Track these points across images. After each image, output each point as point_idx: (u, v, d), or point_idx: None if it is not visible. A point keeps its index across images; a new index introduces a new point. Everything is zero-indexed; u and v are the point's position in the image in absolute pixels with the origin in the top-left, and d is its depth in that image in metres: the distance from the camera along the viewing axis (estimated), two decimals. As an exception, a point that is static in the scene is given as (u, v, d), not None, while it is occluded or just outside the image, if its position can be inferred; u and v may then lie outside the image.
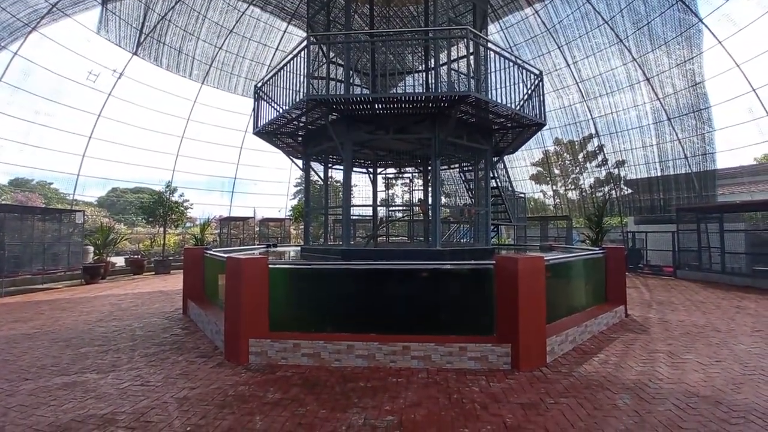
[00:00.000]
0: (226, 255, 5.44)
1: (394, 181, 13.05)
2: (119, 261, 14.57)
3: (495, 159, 8.99)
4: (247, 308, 4.59)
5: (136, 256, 14.69)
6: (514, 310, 4.45)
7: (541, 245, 11.57)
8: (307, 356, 4.53)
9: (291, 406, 3.49)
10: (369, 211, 11.74)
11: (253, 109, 8.15)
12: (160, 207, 14.10)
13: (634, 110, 16.03)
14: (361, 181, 11.64)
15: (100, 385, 3.90)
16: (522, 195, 15.21)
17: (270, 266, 4.83)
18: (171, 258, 14.62)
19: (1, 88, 11.50)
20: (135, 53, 14.53)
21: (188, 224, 19.03)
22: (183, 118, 16.96)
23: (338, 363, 4.52)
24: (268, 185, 20.99)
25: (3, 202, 12.81)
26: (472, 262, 5.15)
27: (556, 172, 21.99)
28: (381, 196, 11.65)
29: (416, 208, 10.81)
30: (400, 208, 11.41)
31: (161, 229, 15.52)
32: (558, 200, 22.15)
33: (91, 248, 12.85)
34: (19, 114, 12.31)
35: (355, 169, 10.69)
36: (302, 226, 19.14)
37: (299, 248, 8.95)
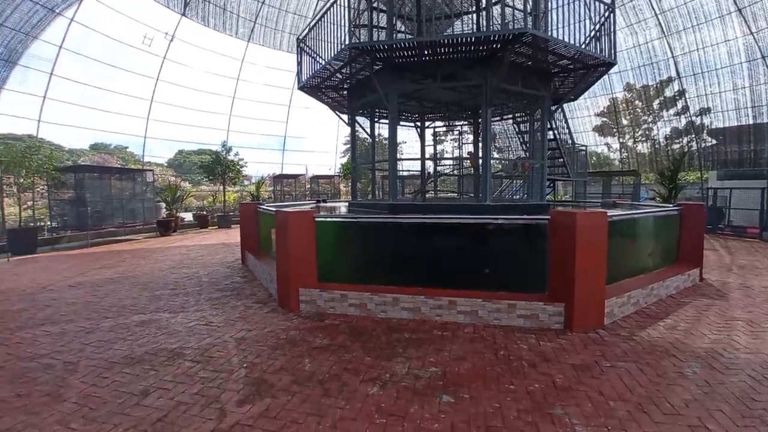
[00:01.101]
0: (275, 209, 5.60)
1: (442, 136, 12.54)
2: (187, 216, 15.85)
3: (553, 107, 8.19)
4: (295, 259, 4.75)
5: (201, 212, 15.86)
6: (569, 268, 4.17)
7: (603, 202, 10.68)
8: (354, 306, 4.66)
9: (338, 351, 3.63)
10: (416, 167, 11.49)
11: (297, 63, 8.01)
12: (218, 166, 14.89)
13: (725, 46, 13.61)
14: (409, 136, 11.30)
15: (171, 324, 4.32)
16: (583, 148, 13.95)
17: (317, 219, 4.90)
18: (231, 213, 15.62)
19: (65, 55, 12.29)
20: (183, 14, 14.77)
21: (245, 182, 20.02)
22: (233, 78, 17.31)
23: (384, 314, 4.60)
24: (318, 143, 21.24)
25: (82, 163, 14.26)
26: (525, 216, 4.84)
27: (624, 122, 19.80)
28: (429, 151, 11.28)
29: (466, 163, 10.36)
30: (449, 162, 11.00)
31: (221, 186, 16.49)
32: (625, 154, 20.14)
33: (163, 205, 14.06)
34: (88, 80, 13.25)
35: (401, 123, 10.36)
36: (351, 183, 19.41)
37: (348, 203, 9.04)
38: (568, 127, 12.03)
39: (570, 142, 11.53)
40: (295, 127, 19.83)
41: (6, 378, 3.13)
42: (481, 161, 6.82)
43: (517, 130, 10.40)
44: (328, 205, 10.57)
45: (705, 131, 15.53)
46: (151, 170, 13.06)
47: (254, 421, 2.52)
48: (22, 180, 10.12)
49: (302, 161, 20.06)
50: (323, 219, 4.99)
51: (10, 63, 11.16)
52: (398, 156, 9.74)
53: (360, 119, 8.86)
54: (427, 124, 10.78)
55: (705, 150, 15.53)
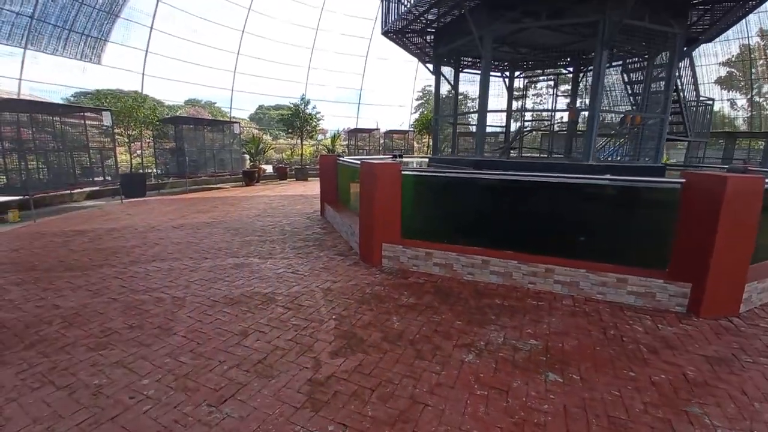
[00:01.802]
0: (359, 160, 5.43)
1: (524, 90, 11.22)
2: (268, 168, 16.68)
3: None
4: (380, 213, 4.58)
5: (281, 165, 16.57)
6: (706, 243, 3.44)
7: (730, 167, 8.92)
8: (438, 266, 4.43)
9: (426, 312, 3.46)
10: (497, 122, 10.53)
11: (381, 4, 7.45)
12: (296, 119, 15.18)
13: None
14: (493, 89, 10.29)
15: (261, 269, 4.50)
16: (710, 102, 11.62)
17: (403, 173, 4.64)
18: (308, 166, 16.09)
19: (161, 9, 12.90)
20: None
21: (320, 136, 20.34)
22: (312, 28, 17.08)
23: (470, 277, 4.32)
24: (392, 97, 20.61)
25: (179, 115, 15.50)
26: (647, 179, 4.08)
27: (757, 74, 16.13)
28: (514, 105, 10.22)
29: (562, 116, 9.23)
30: (544, 115, 9.88)
31: (299, 140, 16.95)
32: (753, 112, 16.63)
33: (247, 156, 14.89)
34: (183, 34, 13.93)
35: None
36: (425, 139, 18.71)
37: (426, 159, 8.64)
38: (694, 77, 10.01)
39: (695, 94, 9.61)
40: (371, 80, 19.36)
41: (119, 309, 3.43)
42: (585, 114, 5.90)
43: (625, 80, 8.87)
44: (405, 160, 10.26)
45: None
46: (237, 122, 13.74)
47: (349, 375, 2.47)
48: (131, 132, 11.24)
49: (375, 116, 19.77)
50: (410, 173, 4.71)
51: (112, 15, 12.01)
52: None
53: (443, 70, 8.17)
54: (516, 74, 9.69)
55: None
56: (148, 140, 12.99)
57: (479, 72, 9.09)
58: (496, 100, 9.70)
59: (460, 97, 8.64)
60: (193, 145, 12.24)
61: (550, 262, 4.04)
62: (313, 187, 13.14)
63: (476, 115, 6.77)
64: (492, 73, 9.55)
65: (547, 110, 9.63)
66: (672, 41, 6.16)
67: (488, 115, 10.18)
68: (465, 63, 9.03)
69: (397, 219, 4.73)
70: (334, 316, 3.31)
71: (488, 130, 12.37)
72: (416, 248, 4.52)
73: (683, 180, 3.71)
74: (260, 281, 4.10)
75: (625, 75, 8.78)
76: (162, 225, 6.90)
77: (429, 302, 3.67)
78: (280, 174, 15.54)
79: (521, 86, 10.47)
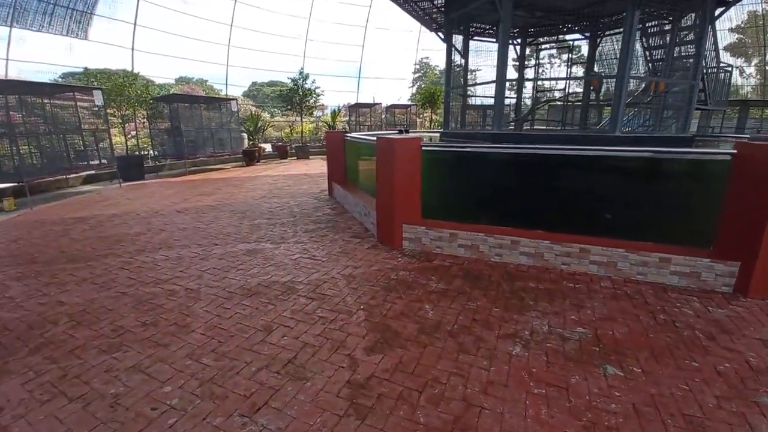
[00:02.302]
0: (369, 136, 5.08)
1: (539, 59, 10.67)
2: (267, 147, 16.20)
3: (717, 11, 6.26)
4: (400, 192, 4.29)
5: (281, 143, 16.09)
6: (759, 218, 3.18)
7: (752, 136, 8.56)
8: (464, 247, 4.18)
9: (459, 298, 3.23)
10: (504, 96, 10.02)
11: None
12: (295, 94, 14.56)
13: None
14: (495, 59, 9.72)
15: (275, 255, 4.24)
16: (728, 68, 11.09)
17: (423, 149, 4.31)
18: (309, 144, 15.63)
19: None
20: None
21: (318, 113, 19.70)
22: (308, -4, 16.18)
23: (498, 258, 4.07)
24: (391, 70, 19.83)
25: (174, 93, 14.82)
26: (695, 150, 3.78)
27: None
28: (527, 75, 9.71)
29: (575, 86, 8.77)
30: (554, 84, 9.41)
31: (298, 117, 16.38)
32: (761, 79, 16.05)
33: (245, 135, 14.38)
34: (169, 4, 13.13)
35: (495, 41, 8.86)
36: (426, 113, 18.13)
37: (436, 134, 8.25)
38: (716, 42, 9.49)
39: (716, 60, 9.11)
40: (370, 52, 18.55)
41: (130, 304, 3.17)
42: (611, 83, 5.50)
43: (644, 45, 8.36)
44: (413, 135, 9.86)
45: None
46: (234, 99, 13.18)
47: (390, 375, 2.25)
48: (124, 112, 10.73)
49: (374, 90, 19.09)
50: (431, 148, 4.39)
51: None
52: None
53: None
54: (527, 41, 9.14)
55: None
56: (142, 120, 12.48)
57: (490, 40, 8.58)
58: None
59: (476, 66, 8.16)
60: (189, 125, 11.75)
61: (586, 241, 3.79)
62: (316, 166, 12.76)
63: (492, 86, 6.36)
64: (489, 40, 9.00)
65: (570, 78, 9.12)
66: (704, 2, 5.69)
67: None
68: (475, 30, 8.49)
69: (418, 198, 4.45)
70: (362, 306, 3.08)
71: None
72: (440, 229, 4.25)
73: (734, 151, 3.40)
74: (276, 269, 3.85)
75: (644, 39, 8.29)
76: (165, 209, 6.60)
77: (460, 287, 3.43)
78: (281, 153, 15.09)
79: (532, 54, 9.93)
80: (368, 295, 3.28)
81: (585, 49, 9.35)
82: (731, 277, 3.41)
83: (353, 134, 7.16)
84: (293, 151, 15.37)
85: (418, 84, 50.93)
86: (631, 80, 7.58)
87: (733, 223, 3.42)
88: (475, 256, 4.16)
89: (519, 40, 9.08)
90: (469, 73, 7.97)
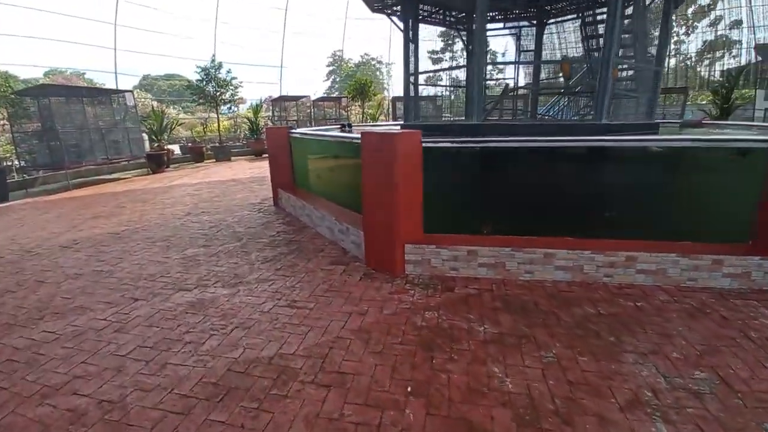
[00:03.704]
0: (360, 132, 4.00)
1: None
2: (175, 149, 13.68)
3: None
4: (403, 203, 3.28)
5: (195, 143, 13.70)
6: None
7: (684, 122, 9.16)
8: (486, 267, 3.33)
9: (526, 347, 2.36)
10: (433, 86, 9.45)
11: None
12: (208, 84, 12.35)
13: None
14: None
15: (236, 307, 2.93)
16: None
17: (425, 145, 3.35)
18: (229, 144, 13.56)
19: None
20: None
21: (233, 108, 17.42)
22: (213, -28, 13.93)
23: (529, 276, 3.31)
24: (307, 62, 18.33)
25: (43, 84, 11.47)
26: (731, 138, 3.43)
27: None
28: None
29: (549, 71, 8.52)
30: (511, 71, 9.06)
31: (211, 113, 14.13)
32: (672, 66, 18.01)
33: (145, 135, 11.85)
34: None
35: (439, 26, 8.21)
36: (359, 105, 17.10)
37: (400, 126, 7.29)
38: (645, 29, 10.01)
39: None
40: (292, 42, 16.83)
41: None
42: (584, 67, 5.11)
43: (583, 34, 8.38)
44: (406, 130, 8.75)
45: (753, 45, 13.62)
46: (130, 91, 10.65)
47: None
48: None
49: (289, 84, 17.44)
50: (436, 145, 3.43)
51: None
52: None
53: (397, 22, 6.75)
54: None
55: (748, 67, 13.68)
56: (0, 122, 9.44)
57: (436, 23, 7.88)
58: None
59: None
60: (69, 125, 9.15)
61: (630, 247, 3.20)
62: (242, 169, 10.98)
63: (455, 73, 5.63)
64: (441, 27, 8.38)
65: (544, 62, 8.70)
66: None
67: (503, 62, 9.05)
68: (422, 11, 7.71)
69: (420, 210, 3.48)
70: (408, 388, 2.02)
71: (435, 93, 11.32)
72: (455, 246, 3.34)
73: (777, 133, 3.06)
74: (247, 334, 2.57)
75: (582, 29, 8.30)
76: (44, 245, 4.65)
77: (514, 328, 2.57)
78: (196, 155, 12.83)
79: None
80: (405, 362, 2.23)
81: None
82: (778, 274, 3.08)
83: (302, 130, 5.90)
84: (210, 152, 13.20)
85: (332, 77, 49.55)
86: (630, 65, 7.47)
87: (778, 215, 3.09)
88: (501, 276, 3.34)
89: (465, 26, 8.54)
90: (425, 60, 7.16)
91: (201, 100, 12.78)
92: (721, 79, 12.40)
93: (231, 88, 12.75)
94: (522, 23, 8.50)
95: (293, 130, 5.93)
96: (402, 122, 6.77)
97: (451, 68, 6.81)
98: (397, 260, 3.39)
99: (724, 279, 3.13)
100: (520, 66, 8.85)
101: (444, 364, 2.20)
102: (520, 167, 3.48)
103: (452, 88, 8.68)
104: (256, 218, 5.56)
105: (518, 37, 8.75)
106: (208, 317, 2.77)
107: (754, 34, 12.55)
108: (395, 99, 16.35)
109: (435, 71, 6.90)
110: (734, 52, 15.71)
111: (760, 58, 13.68)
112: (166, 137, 12.06)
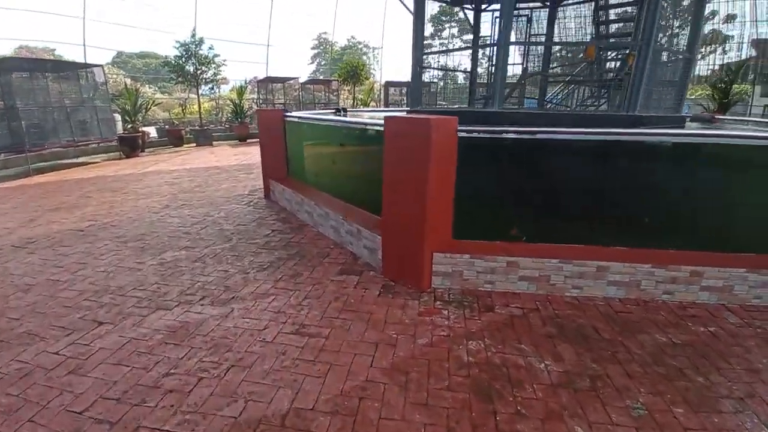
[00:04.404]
0: (381, 115, 3.41)
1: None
2: (151, 131, 12.64)
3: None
4: (434, 204, 2.73)
5: (174, 126, 12.68)
6: None
7: (694, 116, 8.84)
8: (528, 281, 2.84)
9: (604, 393, 1.87)
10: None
11: None
12: (188, 62, 11.31)
13: None
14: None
15: (230, 334, 2.34)
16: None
17: (460, 134, 2.79)
18: (211, 127, 12.61)
19: None
20: None
21: (215, 89, 16.32)
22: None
23: (578, 292, 2.84)
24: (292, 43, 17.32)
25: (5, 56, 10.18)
26: None
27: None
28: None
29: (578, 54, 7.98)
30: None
31: (186, 94, 13.12)
32: None
33: (118, 116, 10.83)
34: None
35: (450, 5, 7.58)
36: (348, 90, 16.29)
37: (395, 113, 6.66)
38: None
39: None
40: (280, 19, 15.76)
41: None
42: (636, 53, 4.62)
43: (596, 19, 7.89)
44: (358, 116, 8.09)
45: (749, 40, 13.52)
46: (99, 66, 9.60)
47: None
48: None
49: (276, 66, 16.40)
50: (474, 134, 2.88)
51: None
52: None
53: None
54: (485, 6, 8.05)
55: (740, 64, 13.59)
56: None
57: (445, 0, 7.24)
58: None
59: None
60: (31, 102, 8.14)
61: (695, 261, 2.77)
62: (226, 155, 10.17)
63: (443, 60, 5.07)
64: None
65: (570, 43, 8.10)
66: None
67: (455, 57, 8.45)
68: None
69: (450, 212, 2.95)
70: (475, 465, 1.51)
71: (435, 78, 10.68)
72: (491, 256, 2.82)
73: None
74: (248, 376, 1.98)
75: (595, 15, 7.81)
76: (-11, 243, 3.90)
77: (580, 365, 2.09)
78: (174, 138, 11.86)
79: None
80: (462, 420, 1.71)
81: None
82: None
83: (300, 113, 5.24)
84: (190, 136, 12.25)
85: (318, 60, 48.00)
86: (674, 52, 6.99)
87: None
88: (544, 292, 2.86)
89: (473, 5, 7.92)
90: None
91: (180, 79, 11.74)
92: (719, 73, 12.23)
93: (213, 66, 11.75)
94: (535, 3, 7.95)
95: (289, 114, 5.26)
96: (407, 108, 6.17)
97: (486, 45, 6.26)
98: (425, 271, 2.86)
99: (794, 296, 2.74)
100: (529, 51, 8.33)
101: (512, 423, 1.70)
102: (571, 163, 2.97)
103: (447, 74, 8.10)
104: (245, 213, 4.91)
105: (529, 20, 8.21)
106: (194, 350, 2.17)
107: (756, 28, 12.36)
108: (388, 84, 15.64)
109: (446, 51, 6.29)
110: (727, 47, 15.60)
111: (754, 53, 13.60)
112: (140, 118, 11.05)
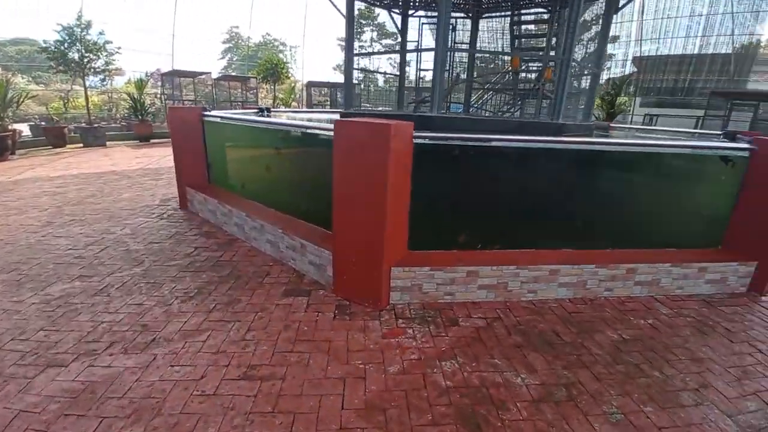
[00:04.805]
0: (312, 116, 3.13)
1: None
2: (24, 129, 10.38)
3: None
4: (392, 215, 2.52)
5: (50, 123, 10.57)
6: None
7: (595, 125, 9.95)
8: (487, 289, 2.79)
9: (582, 401, 1.85)
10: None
11: None
12: (72, 47, 9.45)
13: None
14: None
15: (156, 390, 1.84)
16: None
17: (416, 141, 2.63)
18: (103, 125, 10.79)
19: None
20: None
21: (107, 81, 14.09)
22: None
23: (532, 296, 2.88)
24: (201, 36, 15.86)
25: None
26: (706, 144, 3.43)
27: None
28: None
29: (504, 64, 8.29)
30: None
31: (74, 86, 11.09)
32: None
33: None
34: None
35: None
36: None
37: (329, 115, 6.36)
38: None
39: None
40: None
41: None
42: (557, 66, 4.95)
43: (516, 32, 8.43)
44: (284, 117, 7.53)
45: (630, 59, 15.89)
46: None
47: None
48: None
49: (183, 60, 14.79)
50: (430, 141, 2.73)
51: None
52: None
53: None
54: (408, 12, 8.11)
55: (623, 78, 15.93)
56: None
57: (373, 3, 7.14)
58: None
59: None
60: None
61: (628, 258, 2.99)
62: (125, 158, 8.79)
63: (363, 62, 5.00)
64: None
65: (492, 53, 8.36)
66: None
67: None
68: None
69: (406, 223, 2.77)
70: None
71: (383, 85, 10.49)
72: (452, 267, 2.72)
73: (750, 146, 3.12)
74: (185, 441, 1.57)
75: (514, 29, 8.36)
76: None
77: (553, 374, 2.06)
78: (54, 138, 9.88)
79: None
80: (455, 463, 1.53)
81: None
82: (747, 278, 3.19)
83: (223, 113, 4.65)
84: (76, 135, 10.35)
85: (228, 56, 44.88)
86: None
87: (744, 221, 3.19)
88: (502, 299, 2.84)
89: (401, 9, 7.93)
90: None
91: (61, 68, 9.79)
92: (606, 87, 14.13)
93: (104, 54, 10.02)
94: (458, 14, 8.24)
95: (209, 113, 4.63)
96: (332, 110, 5.89)
97: (412, 50, 6.18)
98: (383, 288, 2.63)
99: (706, 285, 3.12)
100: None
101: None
102: (524, 170, 3.00)
103: (367, 77, 8.04)
104: (158, 228, 4.18)
105: (454, 28, 8.49)
106: (108, 420, 1.66)
107: (641, 46, 14.51)
108: (311, 84, 15.08)
109: (380, 53, 6.12)
110: (612, 64, 17.83)
111: (635, 69, 15.91)
112: (11, 113, 9.00)
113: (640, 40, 14.34)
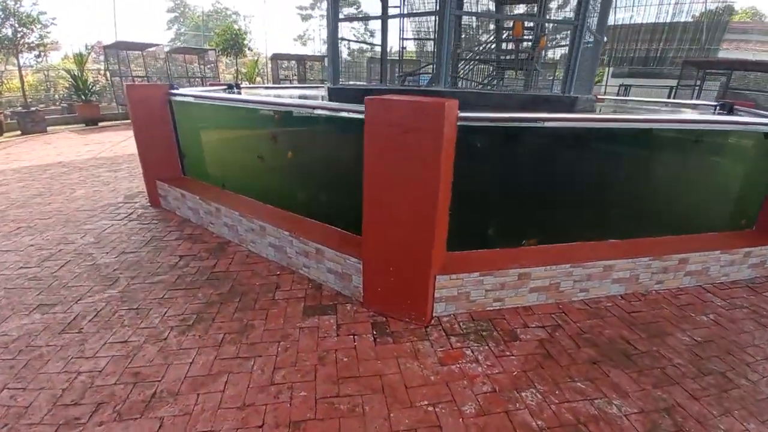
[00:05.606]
0: (292, 93, 2.68)
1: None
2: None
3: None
4: (442, 213, 2.09)
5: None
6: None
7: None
8: (538, 291, 2.47)
9: (687, 425, 1.58)
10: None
11: None
12: (5, 23, 7.86)
13: None
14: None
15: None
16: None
17: (460, 123, 2.18)
18: (42, 108, 9.38)
19: None
20: None
21: (42, 59, 12.28)
22: None
23: (583, 295, 2.59)
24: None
25: None
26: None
27: None
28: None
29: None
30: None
31: (7, 66, 9.48)
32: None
33: None
34: None
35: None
36: (230, 61, 14.08)
37: (313, 91, 5.68)
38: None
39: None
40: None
41: None
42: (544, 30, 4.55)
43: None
44: (265, 96, 6.72)
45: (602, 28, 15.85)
46: None
47: None
48: None
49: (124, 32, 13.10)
50: (471, 123, 2.27)
51: None
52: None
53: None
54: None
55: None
56: None
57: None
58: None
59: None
60: None
61: (679, 248, 2.76)
62: (73, 146, 7.68)
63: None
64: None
65: (508, 17, 7.74)
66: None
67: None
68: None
69: (447, 220, 2.35)
70: None
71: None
72: (503, 270, 2.35)
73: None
74: None
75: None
76: None
77: (645, 394, 1.78)
78: (-19, 125, 8.49)
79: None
80: None
81: None
82: (782, 256, 3.07)
83: (195, 91, 3.93)
84: (12, 121, 8.95)
85: (175, 27, 41.22)
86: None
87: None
88: (553, 300, 2.53)
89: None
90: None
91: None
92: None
93: (38, 26, 8.52)
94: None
95: (177, 92, 3.90)
96: (329, 86, 5.25)
97: (412, 15, 5.57)
98: (428, 299, 2.23)
99: (748, 270, 2.97)
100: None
101: None
102: (574, 153, 2.64)
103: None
104: (129, 233, 3.52)
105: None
106: None
107: (615, 14, 14.33)
108: (276, 56, 13.91)
109: (365, 18, 5.46)
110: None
111: (605, 39, 15.86)
112: None
113: (615, 8, 14.22)
